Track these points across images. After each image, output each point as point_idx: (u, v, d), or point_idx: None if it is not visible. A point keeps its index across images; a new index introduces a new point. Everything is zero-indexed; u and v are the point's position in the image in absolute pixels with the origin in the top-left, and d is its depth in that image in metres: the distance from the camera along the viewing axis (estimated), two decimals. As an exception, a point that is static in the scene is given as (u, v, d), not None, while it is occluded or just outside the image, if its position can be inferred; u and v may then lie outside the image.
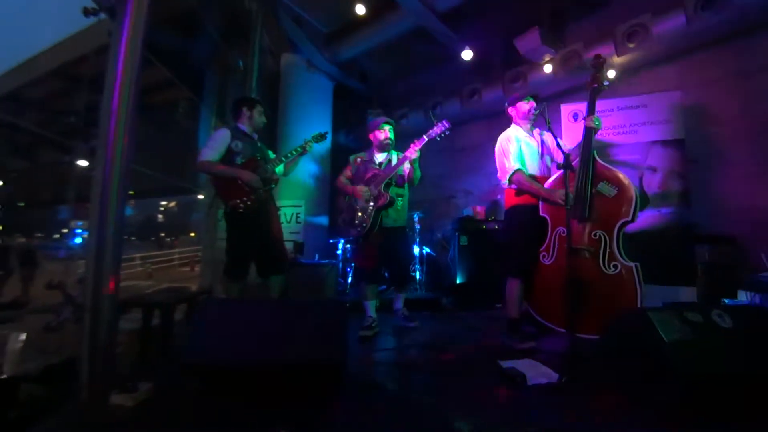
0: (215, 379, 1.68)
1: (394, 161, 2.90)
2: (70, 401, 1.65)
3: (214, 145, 2.53)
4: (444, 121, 2.76)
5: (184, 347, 1.66)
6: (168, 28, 4.52)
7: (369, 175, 2.87)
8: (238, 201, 2.48)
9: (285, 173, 2.85)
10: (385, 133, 2.98)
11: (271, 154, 2.84)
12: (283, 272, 2.79)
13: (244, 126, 2.71)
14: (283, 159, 2.74)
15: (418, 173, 2.93)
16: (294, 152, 2.79)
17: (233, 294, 2.64)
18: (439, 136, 2.76)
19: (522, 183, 2.49)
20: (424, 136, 2.78)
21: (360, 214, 2.81)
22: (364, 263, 2.95)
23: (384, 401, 1.67)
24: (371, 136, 3.05)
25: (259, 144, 2.76)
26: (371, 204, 2.80)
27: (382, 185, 2.79)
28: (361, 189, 2.84)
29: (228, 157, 2.55)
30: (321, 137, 2.92)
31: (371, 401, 1.67)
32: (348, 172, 3.03)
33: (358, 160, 3.01)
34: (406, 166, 2.82)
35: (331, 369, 1.67)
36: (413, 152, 2.76)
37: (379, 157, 3.00)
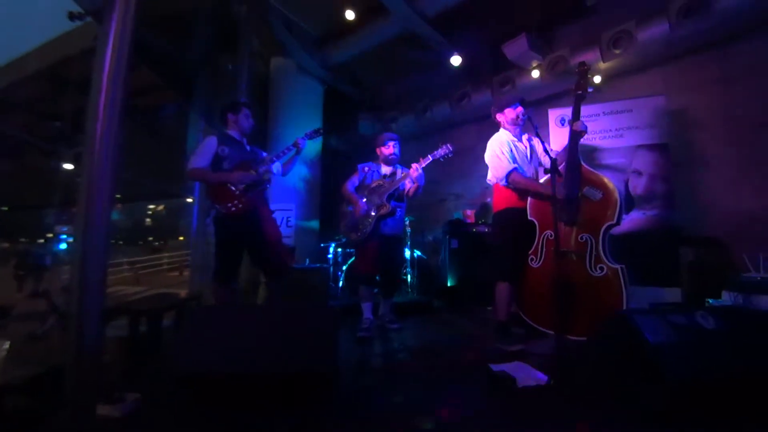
0: (205, 388, 1.67)
1: (398, 174, 3.09)
2: (55, 412, 1.62)
3: (201, 152, 2.57)
4: (447, 144, 2.94)
5: (174, 357, 1.64)
6: (156, 31, 4.48)
7: (374, 185, 3.06)
8: (229, 205, 2.51)
9: (283, 173, 2.90)
10: (390, 149, 3.15)
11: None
12: (284, 276, 2.84)
13: (234, 131, 2.75)
14: (274, 158, 2.76)
15: (420, 191, 3.07)
16: (286, 150, 2.84)
17: (222, 299, 2.62)
18: (443, 157, 2.94)
19: (519, 182, 2.53)
20: (429, 156, 2.94)
21: (361, 221, 2.98)
22: (364, 267, 3.10)
23: (376, 407, 1.67)
24: (378, 150, 3.21)
25: (248, 148, 2.78)
26: (373, 212, 2.96)
27: (386, 196, 2.96)
28: (362, 206, 3.01)
29: (216, 162, 2.58)
30: (315, 133, 3.00)
31: (363, 407, 1.67)
32: (355, 180, 3.16)
33: (366, 169, 3.19)
34: (408, 182, 2.97)
35: (322, 376, 1.66)
36: (416, 171, 2.91)
37: (385, 169, 3.18)
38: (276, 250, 2.77)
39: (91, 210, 1.93)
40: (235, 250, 2.63)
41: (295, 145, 2.85)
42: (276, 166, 2.81)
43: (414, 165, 2.92)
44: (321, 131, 3.08)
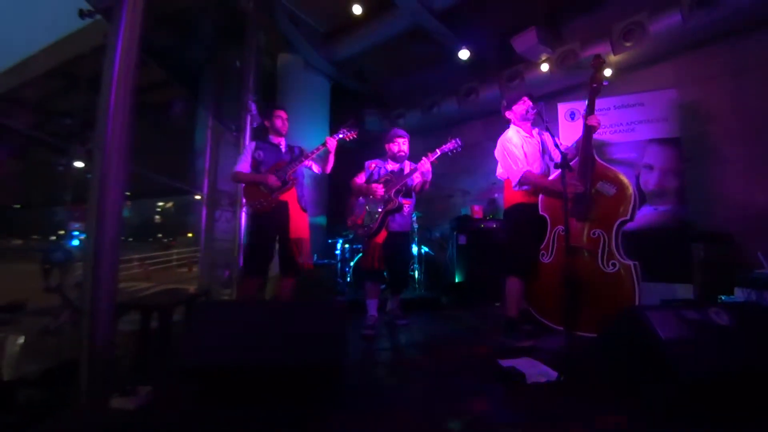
0: (214, 381, 1.68)
1: (407, 170, 3.07)
2: (69, 405, 1.65)
3: (242, 157, 2.87)
4: (457, 138, 2.93)
5: (182, 350, 1.66)
6: (164, 27, 4.50)
7: (382, 180, 3.03)
8: (255, 203, 2.74)
9: (322, 171, 3.04)
10: (398, 146, 3.12)
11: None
12: (295, 275, 2.88)
13: (273, 136, 2.97)
14: (302, 159, 2.89)
15: (427, 186, 3.07)
16: (315, 150, 2.92)
17: (249, 290, 2.77)
18: (451, 151, 2.93)
19: (533, 182, 2.51)
20: (438, 150, 2.94)
21: (368, 216, 2.97)
22: (370, 263, 3.02)
23: (384, 402, 1.67)
24: (386, 147, 3.18)
25: (284, 149, 2.95)
26: (380, 207, 2.94)
27: (393, 191, 2.94)
28: (378, 187, 2.97)
29: (254, 165, 2.84)
30: (349, 130, 3.00)
31: (371, 403, 1.67)
32: (362, 177, 3.15)
33: (372, 165, 3.17)
34: (417, 176, 2.96)
35: (330, 370, 1.67)
36: (425, 164, 2.91)
37: (392, 166, 3.15)
38: (295, 248, 2.81)
39: (102, 206, 1.96)
40: (262, 245, 2.78)
41: (324, 144, 2.91)
42: (314, 166, 3.00)
43: (423, 159, 2.91)
44: (355, 127, 3.05)
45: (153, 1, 2.22)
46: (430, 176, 3.02)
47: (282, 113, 2.97)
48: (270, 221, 2.77)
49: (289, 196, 2.83)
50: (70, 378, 1.81)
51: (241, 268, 2.96)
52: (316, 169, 3.02)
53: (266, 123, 2.99)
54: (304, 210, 2.92)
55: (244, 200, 2.91)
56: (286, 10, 4.69)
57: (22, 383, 1.85)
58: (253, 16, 4.52)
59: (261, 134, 3.11)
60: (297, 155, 2.93)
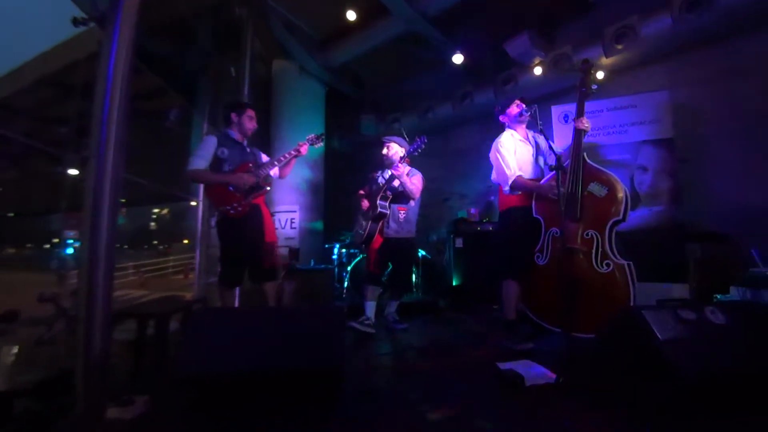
0: (212, 389, 1.67)
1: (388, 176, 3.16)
2: (65, 416, 1.63)
3: (201, 152, 2.53)
4: (423, 137, 2.94)
5: (180, 358, 1.65)
6: (159, 35, 4.51)
7: (374, 189, 3.20)
8: (228, 207, 2.50)
9: (281, 176, 2.88)
10: (383, 150, 3.26)
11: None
12: (276, 278, 2.77)
13: (234, 132, 2.70)
14: (276, 163, 2.74)
15: (407, 187, 3.09)
16: (287, 155, 2.79)
17: (229, 302, 2.63)
18: (417, 150, 2.94)
19: (524, 187, 2.55)
20: (405, 153, 3.04)
21: (363, 224, 3.17)
22: (368, 267, 3.24)
23: (383, 407, 1.67)
24: None
25: (249, 150, 2.74)
26: (369, 215, 3.12)
27: (377, 198, 3.07)
28: (364, 201, 3.26)
29: (216, 164, 2.54)
30: (317, 139, 2.94)
31: (370, 408, 1.66)
32: (366, 189, 3.32)
33: (374, 176, 3.33)
34: (396, 182, 3.05)
35: (329, 375, 1.66)
36: (398, 168, 2.97)
37: (387, 174, 3.21)
38: (271, 252, 2.72)
39: (97, 214, 1.94)
40: (239, 253, 2.59)
41: (297, 150, 2.80)
42: (274, 170, 2.79)
43: (394, 165, 2.99)
44: (323, 137, 3.03)
45: (148, 8, 2.22)
46: (404, 179, 3.02)
47: (253, 113, 2.76)
48: (246, 226, 2.56)
49: (260, 199, 2.69)
50: (65, 388, 1.79)
51: (219, 280, 2.62)
52: (273, 173, 2.84)
53: (233, 117, 2.69)
54: (273, 213, 2.88)
55: (212, 204, 2.59)
56: (281, 17, 4.72)
57: (17, 394, 1.83)
58: (248, 23, 4.53)
59: (221, 129, 2.78)
60: (263, 160, 2.78)
